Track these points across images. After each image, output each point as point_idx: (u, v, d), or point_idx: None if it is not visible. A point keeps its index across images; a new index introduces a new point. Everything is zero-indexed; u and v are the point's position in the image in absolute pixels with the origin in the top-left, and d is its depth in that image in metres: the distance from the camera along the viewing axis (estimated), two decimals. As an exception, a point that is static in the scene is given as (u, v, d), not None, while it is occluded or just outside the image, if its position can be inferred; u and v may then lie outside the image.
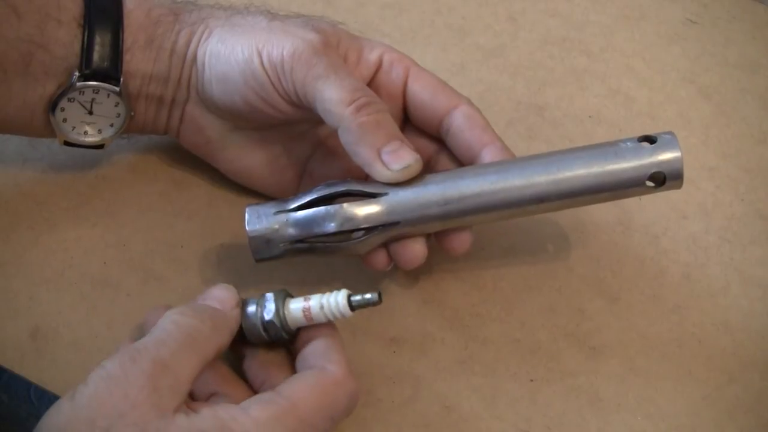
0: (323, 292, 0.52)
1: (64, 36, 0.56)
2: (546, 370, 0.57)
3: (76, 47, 0.57)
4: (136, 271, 0.59)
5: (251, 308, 0.52)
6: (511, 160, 0.55)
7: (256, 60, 0.55)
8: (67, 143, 0.60)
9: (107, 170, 0.63)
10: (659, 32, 0.76)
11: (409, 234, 0.55)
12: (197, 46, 0.58)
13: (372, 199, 0.53)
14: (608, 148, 0.54)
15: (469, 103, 0.58)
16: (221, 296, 0.52)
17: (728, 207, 0.66)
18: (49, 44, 0.56)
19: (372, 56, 0.59)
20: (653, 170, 0.53)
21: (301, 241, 0.54)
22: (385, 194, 0.54)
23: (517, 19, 0.76)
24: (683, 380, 0.58)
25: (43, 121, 0.58)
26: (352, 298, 0.51)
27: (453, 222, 0.55)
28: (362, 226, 0.53)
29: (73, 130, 0.59)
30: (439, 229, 0.55)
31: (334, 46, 0.57)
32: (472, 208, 0.54)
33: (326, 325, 0.52)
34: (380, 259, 0.55)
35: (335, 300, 0.51)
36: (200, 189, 0.63)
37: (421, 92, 0.58)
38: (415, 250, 0.55)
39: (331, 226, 0.53)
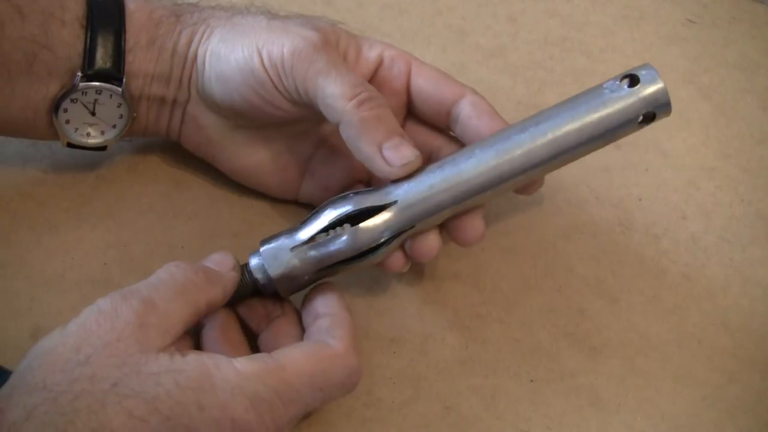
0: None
1: (67, 36, 0.57)
2: (546, 371, 0.57)
3: (79, 48, 0.57)
4: (137, 271, 0.59)
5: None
6: (504, 131, 0.55)
7: (255, 59, 0.55)
8: (70, 145, 0.60)
9: (108, 171, 0.63)
10: (659, 32, 0.76)
11: (424, 229, 0.55)
12: (198, 45, 0.58)
13: (382, 212, 0.53)
14: (593, 97, 0.53)
15: (474, 92, 0.58)
16: (218, 259, 0.54)
17: (728, 207, 0.66)
18: (53, 44, 0.56)
19: (372, 54, 0.59)
20: (643, 111, 0.53)
21: (324, 268, 0.54)
22: (394, 203, 0.53)
23: (517, 20, 0.76)
24: (683, 380, 0.58)
25: (46, 123, 0.58)
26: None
27: (463, 206, 0.54)
28: (380, 242, 0.53)
29: (75, 131, 0.59)
30: (451, 215, 0.55)
31: (334, 44, 0.57)
32: (479, 189, 0.54)
33: (336, 303, 0.53)
34: (397, 261, 0.55)
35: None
36: (200, 190, 0.63)
37: (426, 85, 0.58)
38: (431, 242, 0.55)
39: (351, 252, 0.53)
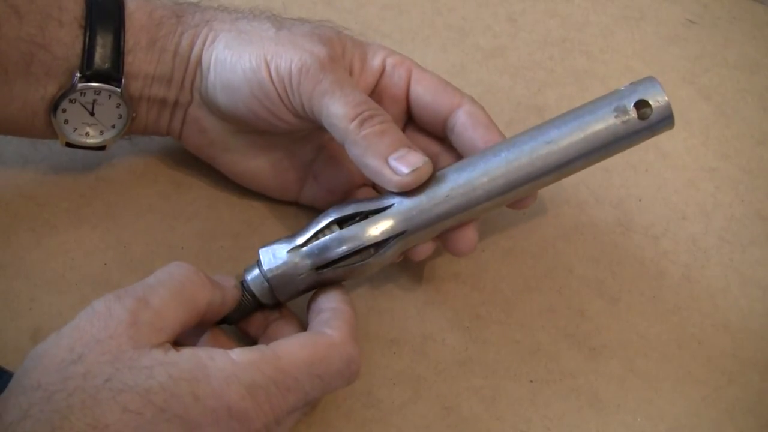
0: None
1: (66, 37, 0.56)
2: (546, 371, 0.57)
3: (78, 48, 0.57)
4: (137, 272, 0.59)
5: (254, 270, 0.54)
6: (507, 144, 0.54)
7: (263, 71, 0.55)
8: (68, 144, 0.60)
9: (108, 172, 0.63)
10: (659, 33, 0.76)
11: (423, 238, 0.55)
12: (202, 49, 0.58)
13: (377, 215, 0.53)
14: (601, 123, 0.53)
15: (472, 101, 0.58)
16: (221, 277, 0.54)
17: (728, 208, 0.66)
18: (51, 45, 0.56)
19: (375, 62, 0.59)
20: (650, 136, 0.53)
21: (321, 268, 0.54)
22: (390, 206, 0.53)
23: (517, 20, 0.76)
24: (683, 381, 0.58)
25: (45, 122, 0.58)
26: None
27: (464, 216, 0.54)
28: (371, 243, 0.53)
29: (74, 131, 0.59)
30: (449, 226, 0.55)
31: (340, 56, 0.57)
32: (479, 199, 0.54)
33: (338, 298, 0.53)
34: None
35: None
36: (200, 191, 0.63)
37: (424, 93, 0.58)
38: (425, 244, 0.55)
39: (343, 249, 0.53)
